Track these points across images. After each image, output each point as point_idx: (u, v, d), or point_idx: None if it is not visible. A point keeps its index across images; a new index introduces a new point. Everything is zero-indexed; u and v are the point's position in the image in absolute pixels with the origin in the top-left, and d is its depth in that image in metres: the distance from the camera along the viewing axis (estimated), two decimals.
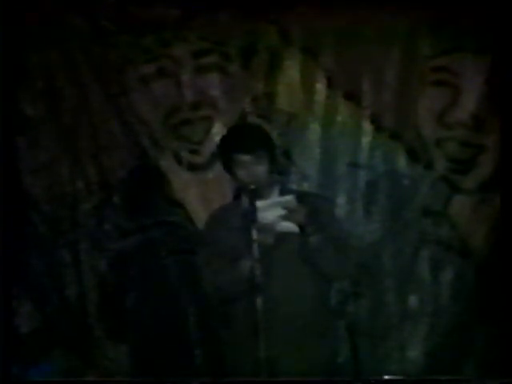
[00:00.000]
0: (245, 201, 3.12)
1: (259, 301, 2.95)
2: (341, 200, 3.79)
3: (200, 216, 3.63)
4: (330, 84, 3.79)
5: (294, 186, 3.60)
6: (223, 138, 3.31)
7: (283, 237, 3.02)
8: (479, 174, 3.80)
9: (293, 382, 3.15)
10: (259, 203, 3.03)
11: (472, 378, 3.38)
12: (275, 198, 3.16)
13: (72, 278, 3.81)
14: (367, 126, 3.80)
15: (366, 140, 3.82)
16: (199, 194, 3.79)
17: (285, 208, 3.03)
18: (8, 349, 3.61)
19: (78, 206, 3.82)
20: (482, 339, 3.80)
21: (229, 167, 3.15)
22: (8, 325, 3.65)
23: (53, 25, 3.79)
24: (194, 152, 3.82)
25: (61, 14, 3.78)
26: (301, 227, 3.03)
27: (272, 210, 3.02)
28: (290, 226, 3.02)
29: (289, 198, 3.04)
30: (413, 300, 3.81)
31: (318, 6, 3.73)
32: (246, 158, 3.10)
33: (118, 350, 3.81)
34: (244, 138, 3.21)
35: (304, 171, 3.81)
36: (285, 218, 3.01)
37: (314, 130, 3.83)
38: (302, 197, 3.12)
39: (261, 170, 3.11)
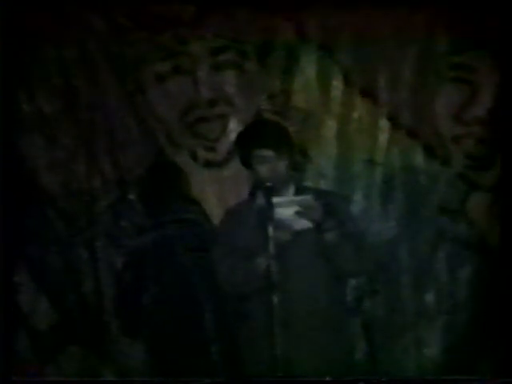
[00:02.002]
0: (261, 198, 3.13)
1: (275, 298, 2.96)
2: (357, 197, 3.81)
3: (216, 213, 3.64)
4: (346, 81, 3.82)
5: (310, 183, 3.62)
6: (242, 133, 3.32)
7: (299, 234, 3.03)
8: (495, 171, 3.81)
9: (296, 382, 3.16)
10: (276, 200, 3.04)
11: (477, 378, 3.25)
12: (292, 196, 3.19)
13: (88, 275, 3.84)
14: (384, 123, 3.81)
15: (382, 137, 3.83)
16: (215, 192, 3.82)
17: (301, 206, 3.04)
18: (8, 349, 3.62)
19: (95, 203, 3.83)
20: (500, 337, 3.79)
21: (248, 163, 3.17)
22: (8, 325, 3.65)
23: (70, 22, 3.81)
24: (210, 149, 3.85)
25: (78, 12, 3.81)
26: (317, 224, 3.04)
27: (289, 208, 3.03)
28: (306, 223, 3.03)
29: (307, 197, 3.07)
30: (430, 297, 3.82)
31: (334, 2, 3.76)
32: (268, 153, 3.12)
33: (133, 347, 3.81)
34: (265, 134, 3.22)
35: (320, 168, 3.83)
36: (301, 215, 3.02)
37: (331, 127, 3.85)
38: (318, 194, 3.14)
39: (281, 166, 3.13)
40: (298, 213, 3.02)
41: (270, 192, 3.06)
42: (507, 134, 3.82)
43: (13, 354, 3.73)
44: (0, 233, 3.80)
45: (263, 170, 3.11)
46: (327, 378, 3.13)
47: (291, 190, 3.18)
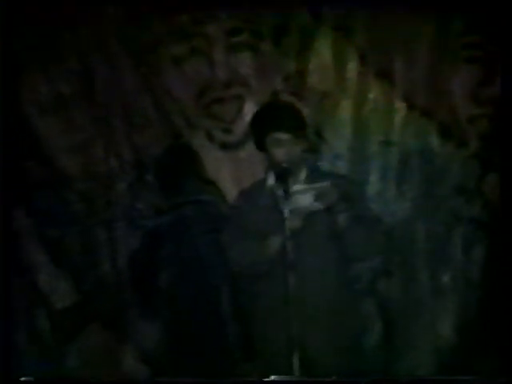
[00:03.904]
0: (275, 179, 3.16)
1: (290, 277, 3.00)
2: (373, 178, 3.82)
3: (232, 194, 3.64)
4: (362, 62, 3.81)
5: (325, 165, 3.66)
6: (257, 116, 3.32)
7: (313, 215, 3.06)
8: None
9: (297, 383, 3.16)
10: (295, 187, 3.08)
11: (477, 378, 3.12)
12: (310, 184, 3.18)
13: (107, 255, 3.88)
14: (399, 104, 3.82)
15: (398, 118, 3.84)
16: (231, 173, 3.83)
17: (319, 192, 3.07)
18: (8, 349, 3.63)
19: (113, 184, 3.87)
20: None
21: (262, 146, 3.18)
22: (7, 326, 3.65)
23: (86, 4, 3.84)
24: (226, 131, 3.87)
25: None
26: (330, 207, 3.07)
27: (305, 192, 3.07)
28: (319, 206, 3.07)
29: (324, 184, 3.09)
30: (444, 278, 3.84)
31: None
32: (283, 136, 3.13)
33: (151, 325, 3.85)
34: (280, 116, 3.23)
35: (336, 150, 3.84)
36: (317, 199, 3.06)
37: (346, 108, 3.86)
38: (332, 177, 3.17)
39: (296, 148, 3.15)
40: (315, 197, 3.06)
41: (286, 174, 3.09)
42: None
43: (14, 353, 3.76)
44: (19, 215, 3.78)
45: (278, 152, 3.13)
46: (333, 378, 3.12)
47: (305, 172, 3.22)
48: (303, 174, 3.19)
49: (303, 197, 3.06)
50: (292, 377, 3.12)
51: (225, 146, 3.89)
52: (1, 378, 3.54)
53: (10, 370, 3.58)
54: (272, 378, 2.98)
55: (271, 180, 3.20)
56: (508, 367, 3.44)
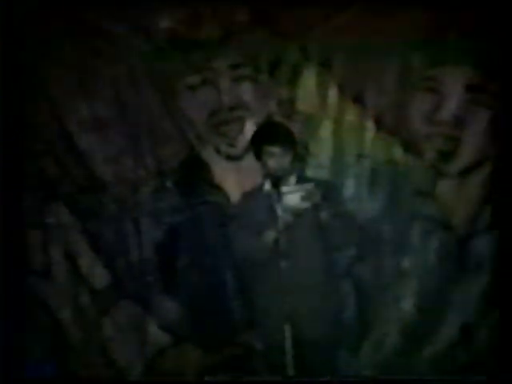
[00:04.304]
0: (270, 184, 3.21)
1: (282, 264, 3.07)
2: (349, 183, 3.80)
3: (235, 196, 3.68)
4: (340, 90, 3.81)
5: (310, 173, 3.64)
6: (256, 133, 3.36)
7: (301, 213, 3.12)
8: (460, 162, 3.79)
9: (294, 382, 3.15)
10: (285, 189, 3.10)
11: (477, 378, 3.22)
12: (298, 185, 3.19)
13: (135, 245, 3.87)
14: (370, 125, 3.81)
15: (369, 135, 3.82)
16: (235, 179, 3.81)
17: (304, 192, 3.10)
18: (8, 349, 3.56)
19: (139, 189, 3.85)
20: (461, 292, 3.80)
21: (260, 157, 3.23)
22: (8, 327, 3.59)
23: (121, 44, 3.81)
24: (230, 145, 3.85)
25: (128, 35, 3.79)
26: (315, 206, 3.11)
27: (295, 194, 3.10)
28: (307, 205, 3.10)
29: (309, 185, 3.12)
30: (406, 263, 3.83)
31: (331, 28, 3.72)
32: (276, 149, 3.18)
33: (170, 302, 3.85)
34: (274, 134, 3.26)
35: (319, 160, 3.81)
36: (303, 199, 3.10)
37: (327, 127, 3.83)
38: (316, 182, 3.18)
39: (287, 159, 3.20)
40: (301, 198, 3.09)
41: (278, 180, 3.16)
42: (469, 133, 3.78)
43: (60, 328, 3.76)
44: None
45: (272, 163, 3.18)
46: (328, 378, 3.16)
47: (294, 178, 3.25)
48: (293, 180, 3.25)
49: (293, 198, 3.10)
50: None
51: (229, 158, 3.87)
52: (1, 378, 3.52)
53: (10, 369, 3.53)
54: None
55: (267, 185, 3.26)
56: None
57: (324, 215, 3.12)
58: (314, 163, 3.78)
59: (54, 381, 3.64)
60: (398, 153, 3.82)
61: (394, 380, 3.28)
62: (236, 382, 3.50)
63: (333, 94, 3.81)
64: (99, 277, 3.87)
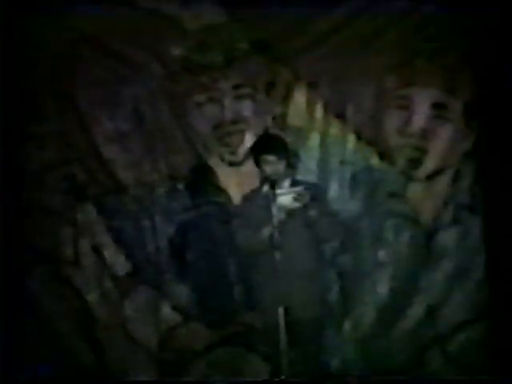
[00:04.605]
0: (266, 187, 3.25)
1: (277, 255, 3.10)
2: (333, 186, 3.85)
3: (237, 197, 3.74)
4: (325, 108, 3.86)
5: (300, 177, 3.64)
6: (255, 143, 3.43)
7: (293, 212, 3.19)
8: (426, 168, 3.83)
9: (292, 382, 3.14)
10: (279, 191, 3.15)
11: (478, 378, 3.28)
12: (290, 188, 3.24)
13: (151, 239, 3.90)
14: (351, 136, 3.87)
15: (350, 146, 3.88)
16: (236, 183, 3.84)
17: (295, 194, 3.15)
18: (8, 349, 3.55)
19: (155, 190, 3.91)
20: (427, 278, 3.84)
21: (258, 164, 3.30)
22: (7, 328, 3.57)
23: (141, 68, 3.85)
24: (232, 154, 3.90)
25: (146, 60, 3.83)
26: (305, 205, 3.17)
27: (287, 195, 3.16)
28: (297, 205, 3.15)
29: (299, 188, 3.18)
30: (380, 255, 3.86)
31: (318, 55, 3.76)
32: (271, 157, 3.24)
33: (181, 286, 3.89)
34: (270, 144, 3.32)
35: (308, 167, 3.85)
36: (295, 199, 3.15)
37: (315, 138, 3.89)
38: (306, 185, 3.24)
39: (281, 166, 3.26)
40: (293, 198, 3.15)
41: (273, 183, 3.20)
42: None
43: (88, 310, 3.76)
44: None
45: (268, 168, 3.25)
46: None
47: (287, 182, 3.31)
48: (286, 183, 3.29)
49: (286, 199, 3.15)
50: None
51: (231, 164, 3.91)
52: (2, 378, 3.49)
53: (10, 369, 3.52)
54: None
55: (264, 188, 3.30)
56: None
57: (312, 213, 3.20)
58: (304, 169, 3.82)
59: (55, 380, 3.61)
60: (374, 160, 3.88)
61: (393, 380, 3.33)
62: (237, 382, 3.56)
63: (319, 110, 3.88)
64: (121, 265, 3.93)
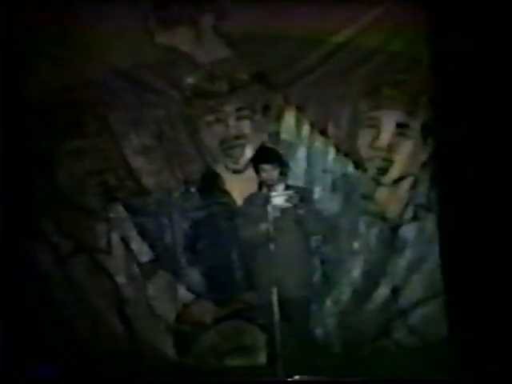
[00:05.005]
0: (264, 190, 3.36)
1: (271, 246, 3.19)
2: (318, 190, 3.94)
3: (239, 199, 3.81)
4: (311, 126, 3.95)
5: (291, 182, 3.66)
6: (254, 155, 3.54)
7: (285, 210, 3.28)
8: (392, 176, 3.94)
9: (292, 382, 3.09)
10: (273, 194, 3.26)
11: (479, 378, 3.09)
12: (282, 191, 3.33)
13: (169, 232, 3.96)
14: (331, 149, 3.96)
15: (330, 157, 3.97)
16: (239, 187, 3.90)
17: (287, 196, 3.25)
18: (8, 350, 3.40)
19: (172, 193, 3.97)
20: (392, 264, 3.93)
21: (257, 171, 3.40)
22: (7, 328, 3.43)
23: (159, 94, 3.93)
24: (235, 163, 3.97)
25: (165, 88, 3.89)
26: (295, 205, 3.27)
27: (280, 197, 3.26)
28: (288, 205, 3.26)
29: (290, 191, 3.30)
30: (355, 245, 3.96)
31: (305, 84, 3.85)
32: (267, 167, 3.34)
33: (194, 272, 3.94)
34: (266, 156, 3.42)
35: (297, 174, 3.92)
36: (286, 200, 3.24)
37: (302, 151, 3.97)
38: (296, 189, 3.36)
39: (275, 173, 3.35)
40: (285, 199, 3.24)
41: (269, 187, 3.32)
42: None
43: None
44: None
45: (265, 175, 3.35)
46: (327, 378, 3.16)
47: (280, 186, 3.39)
48: (279, 187, 3.37)
49: (279, 200, 3.24)
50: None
51: (235, 172, 3.97)
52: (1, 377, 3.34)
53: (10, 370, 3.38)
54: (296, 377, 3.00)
55: (262, 191, 3.40)
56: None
57: (300, 212, 3.29)
58: (293, 176, 3.88)
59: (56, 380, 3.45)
60: (350, 169, 3.98)
61: (395, 381, 3.20)
62: (239, 382, 3.43)
63: (306, 128, 3.96)
64: (144, 254, 3.98)
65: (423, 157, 3.91)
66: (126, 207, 3.96)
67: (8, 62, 3.52)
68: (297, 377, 3.02)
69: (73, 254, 3.94)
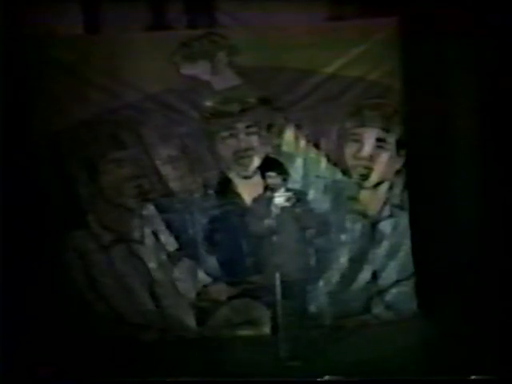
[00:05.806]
0: (268, 193, 3.63)
1: (274, 238, 3.50)
2: (312, 192, 4.15)
3: (248, 200, 4.04)
4: (307, 140, 4.19)
5: (290, 186, 3.83)
6: (261, 164, 3.90)
7: (285, 209, 3.56)
8: (372, 181, 4.17)
9: (293, 383, 3.19)
10: (276, 195, 3.56)
11: (480, 378, 2.99)
12: (283, 193, 3.56)
13: (191, 227, 4.18)
14: (323, 159, 4.19)
15: (323, 166, 4.20)
16: (248, 190, 4.09)
17: (287, 197, 3.52)
18: (9, 349, 3.37)
19: (194, 195, 4.19)
20: (373, 253, 4.16)
21: (263, 177, 3.70)
22: (7, 330, 3.40)
23: (183, 115, 4.16)
24: (245, 170, 4.20)
25: (186, 109, 4.12)
26: (293, 205, 3.55)
27: (282, 198, 3.55)
28: (288, 204, 3.55)
29: (289, 193, 3.58)
30: (342, 237, 4.18)
31: (301, 107, 4.06)
32: (272, 173, 3.64)
33: (211, 259, 4.18)
34: (271, 165, 3.73)
35: (295, 179, 4.09)
36: (286, 201, 3.54)
37: (299, 161, 4.19)
38: (294, 191, 3.63)
39: (278, 179, 3.63)
40: (285, 200, 3.52)
41: (273, 190, 3.60)
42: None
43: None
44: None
45: (270, 180, 3.64)
46: (326, 378, 2.96)
47: (282, 189, 3.65)
48: (282, 190, 3.63)
49: (281, 200, 3.52)
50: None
51: (245, 178, 4.18)
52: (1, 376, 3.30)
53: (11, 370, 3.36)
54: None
55: (266, 193, 3.67)
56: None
57: (298, 210, 3.57)
58: (292, 181, 4.01)
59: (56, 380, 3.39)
60: (338, 175, 4.21)
61: (395, 380, 3.11)
62: (237, 382, 3.27)
63: (302, 142, 4.19)
64: (171, 245, 4.18)
65: (397, 165, 4.19)
66: (156, 206, 4.17)
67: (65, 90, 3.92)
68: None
69: (113, 244, 4.16)
